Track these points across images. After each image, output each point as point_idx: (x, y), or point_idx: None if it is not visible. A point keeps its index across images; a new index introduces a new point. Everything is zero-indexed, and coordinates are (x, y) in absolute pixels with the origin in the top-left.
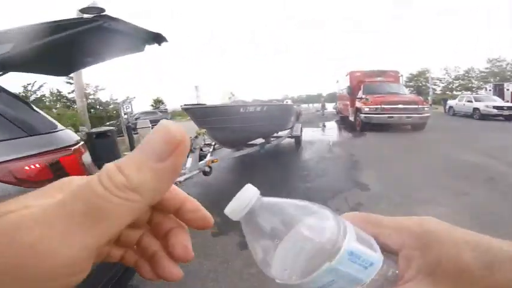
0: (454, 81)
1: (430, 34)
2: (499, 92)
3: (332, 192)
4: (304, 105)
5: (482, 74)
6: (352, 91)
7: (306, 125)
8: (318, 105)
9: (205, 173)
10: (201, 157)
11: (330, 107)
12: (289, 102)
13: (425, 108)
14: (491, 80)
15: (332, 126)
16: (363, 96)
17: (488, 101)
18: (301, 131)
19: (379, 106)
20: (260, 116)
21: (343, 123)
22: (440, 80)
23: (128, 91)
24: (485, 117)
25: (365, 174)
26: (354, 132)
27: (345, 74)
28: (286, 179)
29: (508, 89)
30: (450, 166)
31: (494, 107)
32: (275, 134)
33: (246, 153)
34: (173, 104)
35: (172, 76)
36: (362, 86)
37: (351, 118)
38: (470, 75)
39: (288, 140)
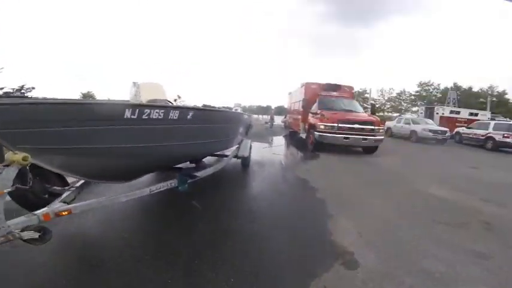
0: (387, 103)
1: (372, 56)
2: (430, 114)
3: (300, 272)
4: (255, 116)
5: (412, 97)
6: (307, 104)
7: (255, 138)
8: (266, 117)
9: (26, 240)
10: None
11: (277, 119)
12: (239, 110)
13: (381, 130)
14: (418, 103)
15: (281, 142)
16: (318, 111)
17: (424, 124)
18: (250, 150)
19: (336, 124)
20: (181, 128)
21: (292, 139)
22: (375, 101)
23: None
24: (420, 140)
25: (340, 226)
26: (306, 151)
27: (300, 85)
28: (225, 239)
29: (437, 113)
30: (433, 208)
31: (430, 131)
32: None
33: (148, 193)
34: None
35: (114, 72)
36: (317, 100)
37: (302, 135)
38: (401, 97)
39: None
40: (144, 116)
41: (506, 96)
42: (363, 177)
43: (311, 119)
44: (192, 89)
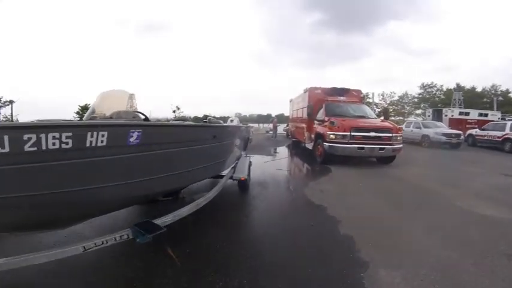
0: (389, 107)
1: (371, 61)
2: (438, 117)
3: None
4: (255, 125)
5: (414, 99)
6: (312, 111)
7: (256, 151)
8: (267, 126)
9: None
10: None
11: (279, 128)
12: (236, 121)
13: (399, 138)
14: (421, 105)
15: (284, 153)
16: (326, 118)
17: (436, 128)
18: (249, 170)
19: (348, 133)
20: (117, 160)
21: (297, 149)
22: (377, 106)
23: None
24: (433, 144)
25: (384, 282)
26: (314, 164)
27: (303, 91)
28: None
29: (446, 115)
30: (498, 237)
31: (443, 134)
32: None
33: (81, 251)
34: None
35: (111, 82)
36: (324, 106)
37: (308, 145)
38: (403, 101)
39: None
40: (27, 147)
41: (510, 95)
42: (390, 198)
43: (318, 128)
44: (193, 101)
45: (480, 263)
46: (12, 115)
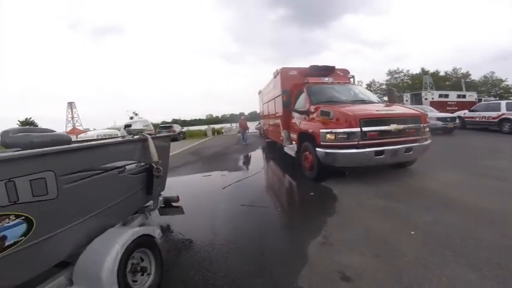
0: None
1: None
2: (417, 101)
3: None
4: (227, 125)
5: (382, 86)
6: (291, 100)
7: (216, 163)
8: (236, 126)
9: None
10: None
11: (251, 126)
12: (139, 124)
13: (427, 130)
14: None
15: (256, 164)
16: (312, 108)
17: (429, 112)
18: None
19: (358, 129)
20: None
21: (273, 152)
22: None
23: None
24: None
25: None
26: (302, 183)
27: (273, 75)
28: None
29: (426, 98)
30: None
31: (438, 119)
32: None
33: None
34: (48, 125)
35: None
36: (305, 90)
37: (288, 149)
38: (371, 88)
39: None
40: None
41: (471, 77)
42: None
43: (302, 124)
44: (160, 106)
45: None
46: None
